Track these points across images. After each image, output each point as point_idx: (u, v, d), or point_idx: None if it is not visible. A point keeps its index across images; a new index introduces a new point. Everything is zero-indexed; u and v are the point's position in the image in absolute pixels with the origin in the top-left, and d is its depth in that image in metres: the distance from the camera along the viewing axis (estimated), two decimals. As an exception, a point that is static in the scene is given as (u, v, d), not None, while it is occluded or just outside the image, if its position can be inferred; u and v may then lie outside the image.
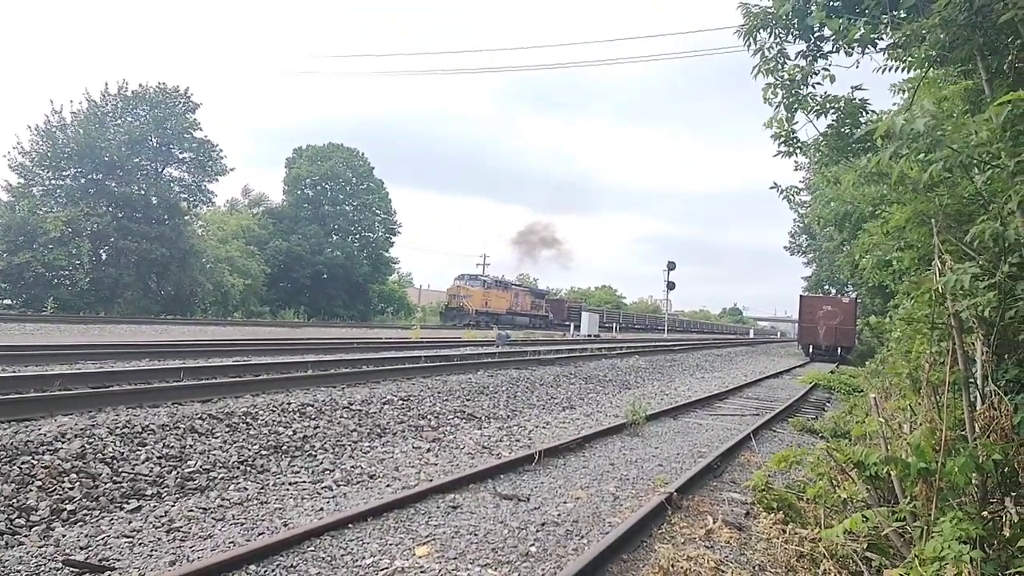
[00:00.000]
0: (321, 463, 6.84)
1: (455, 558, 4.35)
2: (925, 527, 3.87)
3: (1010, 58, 4.06)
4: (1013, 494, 3.85)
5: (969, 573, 3.25)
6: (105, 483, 5.40)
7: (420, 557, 4.33)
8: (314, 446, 7.31)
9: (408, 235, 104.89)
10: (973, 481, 3.92)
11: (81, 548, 4.33)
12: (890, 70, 4.95)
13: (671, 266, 49.47)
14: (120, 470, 5.66)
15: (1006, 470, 3.93)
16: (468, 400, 10.78)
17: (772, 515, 5.37)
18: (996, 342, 4.03)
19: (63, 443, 5.76)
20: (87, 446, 5.82)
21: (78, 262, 33.01)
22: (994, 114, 3.33)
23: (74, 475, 5.34)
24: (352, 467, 6.77)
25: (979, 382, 4.04)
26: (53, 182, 35.76)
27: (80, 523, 4.78)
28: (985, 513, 3.79)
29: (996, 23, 3.65)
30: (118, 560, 4.17)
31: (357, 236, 53.66)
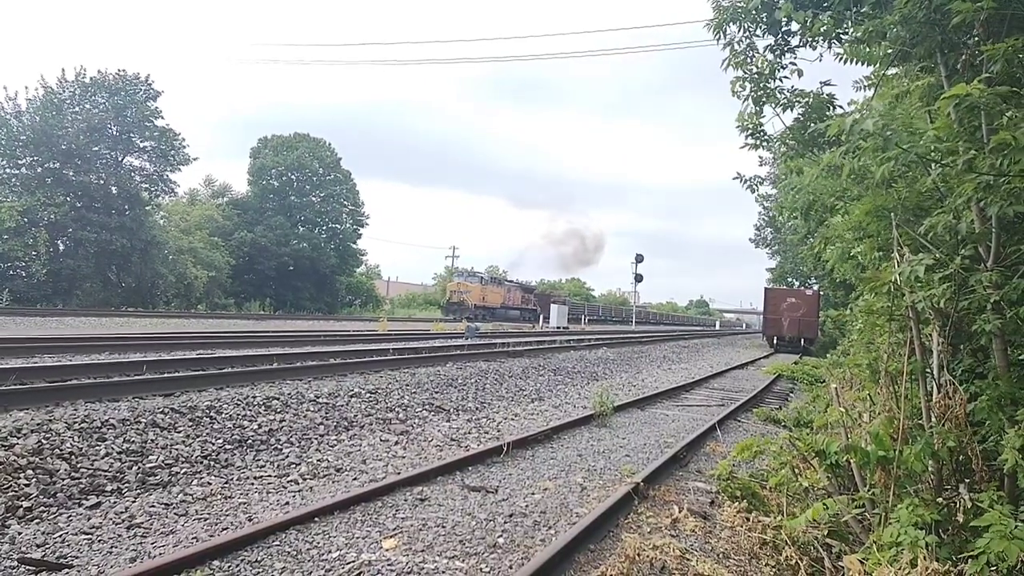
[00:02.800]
0: (287, 457, 6.77)
1: (422, 550, 4.34)
2: (883, 513, 3.98)
3: (963, 57, 4.16)
4: (967, 480, 3.97)
5: (924, 557, 3.34)
6: (63, 479, 5.27)
7: (387, 550, 4.31)
8: (280, 440, 7.23)
9: (377, 227, 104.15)
10: (929, 468, 4.03)
11: (38, 546, 4.22)
12: (853, 61, 5.03)
13: (639, 258, 49.87)
14: (79, 466, 5.53)
15: (960, 457, 4.05)
16: (437, 392, 10.75)
17: (736, 504, 5.46)
18: (951, 332, 4.14)
19: (19, 439, 5.61)
20: (44, 441, 5.67)
21: (34, 253, 32.15)
22: (942, 108, 3.41)
23: (30, 471, 5.20)
24: (318, 460, 6.71)
25: (935, 372, 4.15)
26: (8, 171, 34.73)
27: (37, 520, 4.66)
28: (940, 499, 3.90)
29: (950, 23, 3.74)
30: (76, 557, 4.08)
31: (324, 227, 53.10)
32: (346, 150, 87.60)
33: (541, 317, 46.84)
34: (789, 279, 42.65)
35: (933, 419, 4.02)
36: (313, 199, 52.05)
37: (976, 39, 4.04)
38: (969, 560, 3.26)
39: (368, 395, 9.57)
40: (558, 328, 39.61)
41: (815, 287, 36.11)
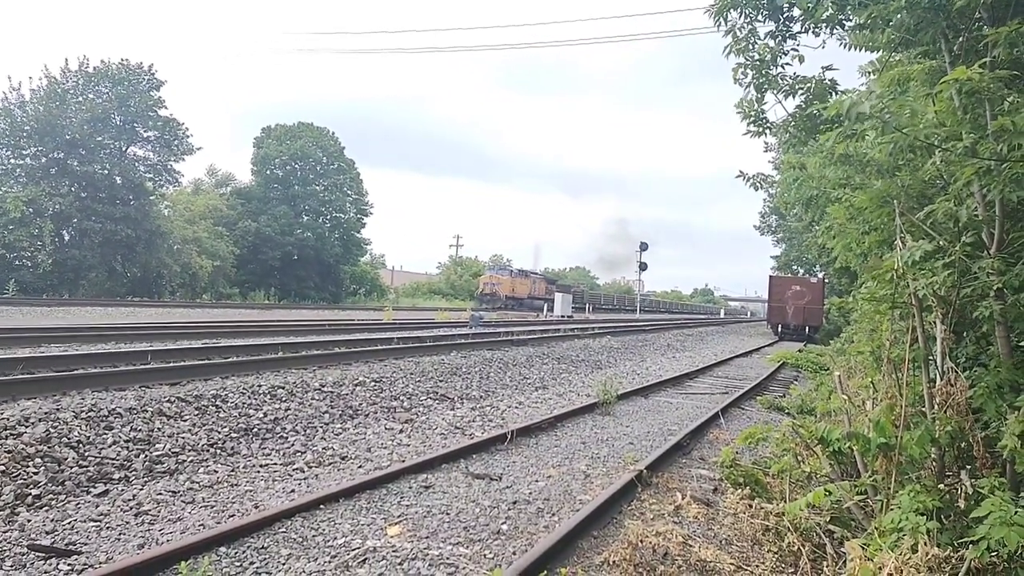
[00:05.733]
0: (292, 445, 6.82)
1: (427, 537, 4.38)
2: (885, 500, 3.99)
3: (961, 40, 4.13)
4: (968, 467, 3.98)
5: (925, 543, 3.36)
6: (71, 467, 5.32)
7: (392, 537, 4.35)
8: (285, 428, 7.28)
9: (382, 216, 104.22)
10: (931, 455, 4.04)
11: (47, 533, 4.27)
12: (856, 48, 5.01)
13: (643, 247, 49.72)
14: (86, 454, 5.58)
15: (962, 444, 4.06)
16: (441, 381, 10.79)
17: (739, 491, 5.48)
18: (954, 320, 4.14)
19: (27, 427, 5.66)
20: (52, 430, 5.72)
21: (40, 243, 32.21)
22: (942, 92, 3.40)
23: (39, 459, 5.26)
24: (324, 449, 6.76)
25: (938, 359, 4.15)
26: (12, 161, 34.73)
27: (46, 508, 4.72)
28: (942, 486, 3.92)
29: (954, 8, 3.72)
30: (85, 544, 4.13)
31: (328, 217, 53.02)
32: (353, 139, 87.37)
33: (546, 306, 46.85)
34: (794, 267, 42.48)
35: (935, 406, 4.02)
36: (317, 188, 51.96)
37: (980, 24, 4.02)
38: (970, 546, 3.27)
39: (373, 384, 9.62)
40: (563, 317, 39.62)
41: (820, 275, 35.99)
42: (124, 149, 38.11)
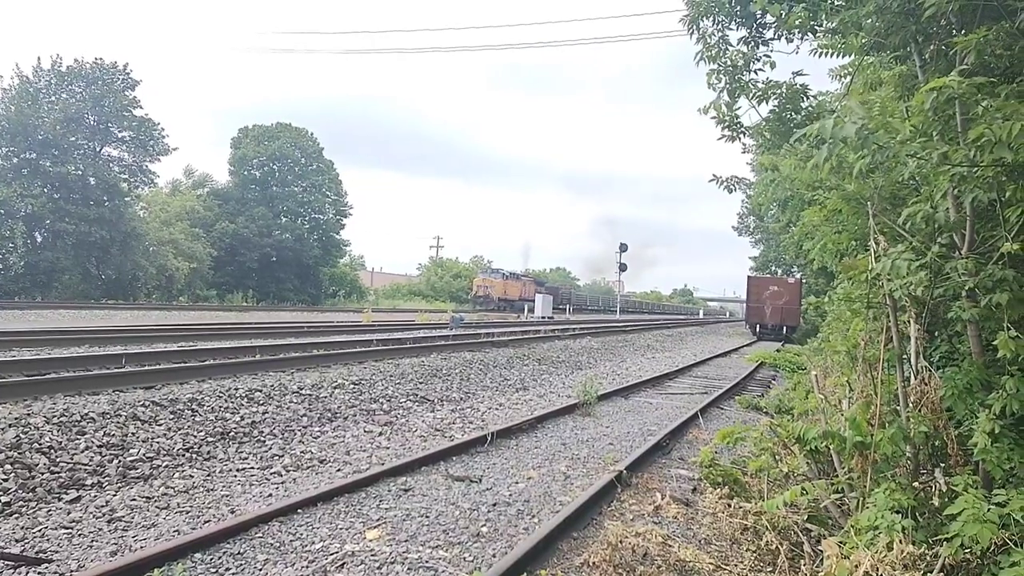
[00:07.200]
0: (270, 449, 6.75)
1: (406, 540, 4.36)
2: (861, 498, 4.03)
3: (932, 47, 4.19)
4: (942, 465, 4.03)
5: (900, 541, 3.40)
6: (42, 473, 5.22)
7: (371, 540, 4.32)
8: (263, 432, 7.20)
9: (364, 217, 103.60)
10: (906, 453, 4.09)
11: (16, 541, 4.19)
12: (827, 55, 5.07)
13: (623, 248, 49.94)
14: (58, 460, 5.48)
15: (936, 443, 4.11)
16: (421, 383, 10.75)
17: (718, 490, 5.51)
18: (927, 320, 4.19)
19: (-4, 433, 5.55)
20: (22, 436, 5.61)
21: (11, 245, 31.71)
22: (918, 102, 3.45)
23: (8, 466, 5.15)
24: (302, 452, 6.70)
25: (912, 358, 4.20)
26: (-17, 162, 34.13)
27: (16, 515, 4.62)
28: (916, 484, 3.96)
29: (923, 14, 3.77)
30: (56, 552, 4.05)
31: (307, 218, 52.70)
32: (332, 139, 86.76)
33: (526, 307, 46.92)
34: (772, 267, 42.91)
35: (910, 405, 4.07)
36: (295, 189, 51.61)
37: (949, 29, 4.08)
38: (944, 543, 3.31)
39: (352, 386, 9.56)
40: (543, 318, 39.66)
41: (797, 275, 36.39)
42: (98, 149, 37.61)
